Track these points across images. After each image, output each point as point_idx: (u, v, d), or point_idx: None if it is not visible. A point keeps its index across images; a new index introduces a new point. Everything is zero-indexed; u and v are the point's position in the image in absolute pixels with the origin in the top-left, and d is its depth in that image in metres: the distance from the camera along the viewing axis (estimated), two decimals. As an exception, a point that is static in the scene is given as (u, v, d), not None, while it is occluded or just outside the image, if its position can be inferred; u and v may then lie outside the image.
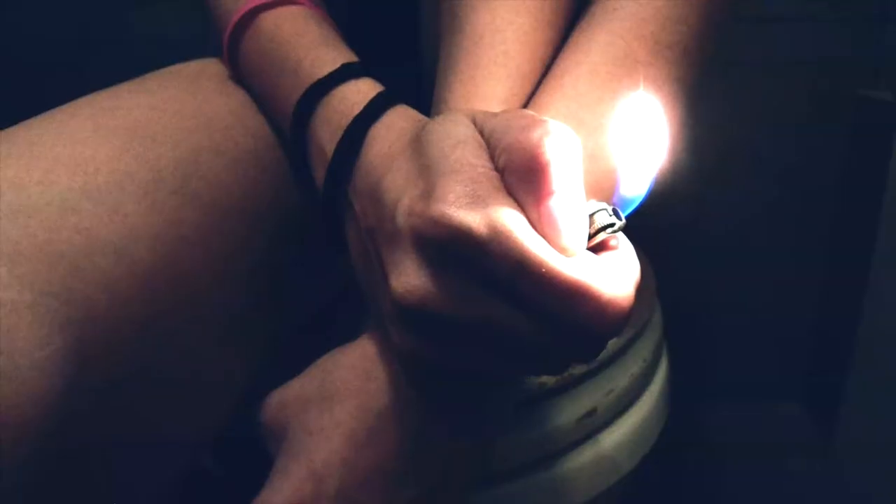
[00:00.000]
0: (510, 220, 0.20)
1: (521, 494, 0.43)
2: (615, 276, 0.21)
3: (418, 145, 0.24)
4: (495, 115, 0.24)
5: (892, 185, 0.76)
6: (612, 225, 0.22)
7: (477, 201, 0.21)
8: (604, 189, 0.29)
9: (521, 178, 0.21)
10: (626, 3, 0.30)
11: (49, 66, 0.84)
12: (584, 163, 0.29)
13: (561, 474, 0.44)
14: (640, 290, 0.22)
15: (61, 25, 0.84)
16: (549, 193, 0.20)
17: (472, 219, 0.20)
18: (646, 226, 0.34)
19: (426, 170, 0.23)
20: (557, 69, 0.30)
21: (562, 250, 0.21)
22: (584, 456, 0.45)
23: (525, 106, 0.30)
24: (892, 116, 0.77)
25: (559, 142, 0.21)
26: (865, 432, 0.87)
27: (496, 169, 0.22)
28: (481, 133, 0.24)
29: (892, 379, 0.83)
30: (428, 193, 0.22)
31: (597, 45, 0.29)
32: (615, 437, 0.46)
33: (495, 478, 0.42)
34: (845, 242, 0.87)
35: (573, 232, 0.21)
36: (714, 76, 0.35)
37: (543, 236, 0.21)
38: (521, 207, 0.21)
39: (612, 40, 0.29)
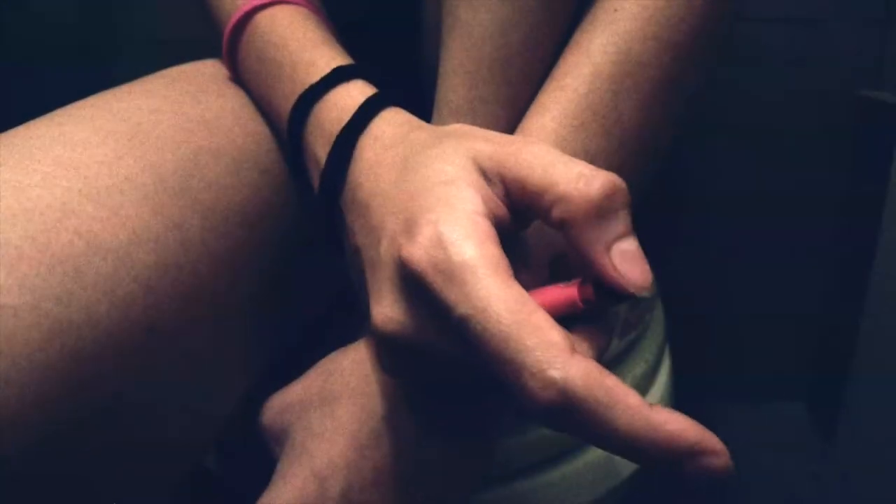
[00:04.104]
0: (469, 271, 0.20)
1: (523, 497, 0.42)
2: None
3: (407, 172, 0.25)
4: (509, 151, 0.23)
5: (893, 186, 0.76)
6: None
7: (444, 245, 0.21)
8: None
9: (589, 223, 0.21)
10: (628, 4, 0.29)
11: (49, 68, 0.84)
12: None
13: (563, 477, 0.44)
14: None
15: (63, 25, 0.84)
16: (628, 233, 0.22)
17: (431, 265, 0.21)
18: (648, 226, 0.33)
19: (410, 201, 0.23)
20: (559, 70, 0.30)
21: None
22: (587, 458, 0.45)
23: (527, 107, 0.30)
24: (894, 117, 0.77)
25: (617, 187, 0.22)
26: (867, 433, 0.87)
27: (549, 219, 0.22)
28: (484, 173, 0.23)
29: (894, 379, 0.83)
30: (408, 228, 0.22)
31: (598, 45, 0.29)
32: (617, 438, 0.46)
33: (497, 480, 0.42)
34: (847, 243, 0.87)
35: (647, 267, 0.22)
36: (715, 76, 0.35)
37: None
38: (586, 254, 0.22)
39: (614, 41, 0.29)
